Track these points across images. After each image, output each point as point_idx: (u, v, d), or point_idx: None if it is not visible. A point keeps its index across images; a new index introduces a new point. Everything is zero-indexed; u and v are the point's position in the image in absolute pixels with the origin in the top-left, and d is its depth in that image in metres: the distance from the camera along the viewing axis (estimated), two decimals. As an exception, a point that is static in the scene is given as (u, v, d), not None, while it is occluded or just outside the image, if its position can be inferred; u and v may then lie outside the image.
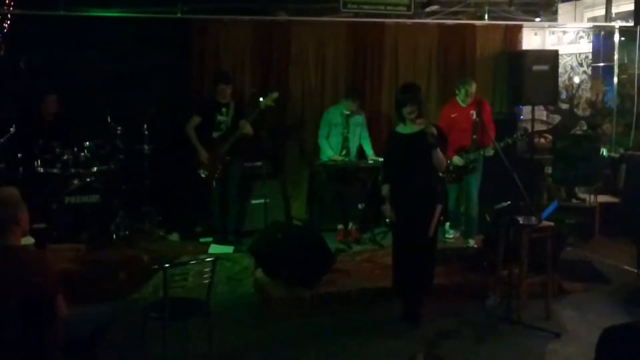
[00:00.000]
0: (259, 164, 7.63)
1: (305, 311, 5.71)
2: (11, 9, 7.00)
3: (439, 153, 5.14)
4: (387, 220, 5.69)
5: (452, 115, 7.11)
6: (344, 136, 7.58)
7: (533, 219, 5.50)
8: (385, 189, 5.39)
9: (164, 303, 4.23)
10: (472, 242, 7.15)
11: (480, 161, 7.11)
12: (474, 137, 7.05)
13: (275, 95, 7.04)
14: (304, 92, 8.19)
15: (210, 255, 6.52)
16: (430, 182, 5.26)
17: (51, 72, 7.31)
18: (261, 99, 7.02)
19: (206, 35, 7.91)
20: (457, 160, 7.04)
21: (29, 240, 4.58)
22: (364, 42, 8.31)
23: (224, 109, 7.13)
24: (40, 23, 7.33)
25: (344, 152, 7.60)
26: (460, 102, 7.19)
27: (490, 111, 7.36)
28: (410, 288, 5.33)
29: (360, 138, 7.66)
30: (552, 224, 5.65)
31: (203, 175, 7.08)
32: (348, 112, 7.54)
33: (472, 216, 7.25)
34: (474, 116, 7.08)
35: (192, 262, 4.46)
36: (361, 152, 7.72)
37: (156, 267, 4.93)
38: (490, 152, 6.83)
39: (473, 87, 7.20)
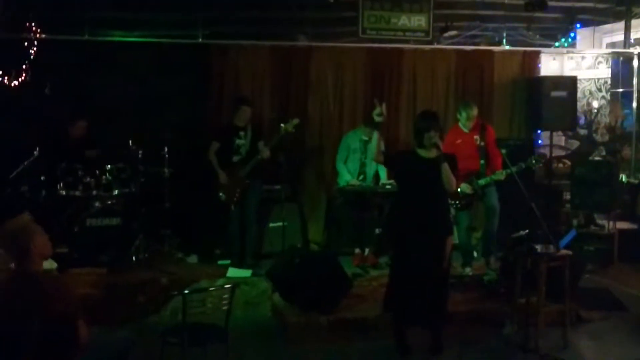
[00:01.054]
0: (277, 187, 7.68)
1: (321, 336, 5.72)
2: (37, 34, 7.14)
3: (447, 168, 5.08)
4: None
5: (457, 142, 7.03)
6: (361, 162, 7.63)
7: (551, 248, 5.49)
8: None
9: (182, 328, 4.28)
10: (491, 263, 7.13)
11: (493, 184, 7.07)
12: (482, 162, 7.03)
13: (295, 121, 7.10)
14: (323, 117, 8.28)
15: (229, 279, 6.61)
16: (444, 211, 5.24)
17: (75, 96, 7.46)
18: (282, 124, 7.07)
19: (226, 60, 8.03)
20: (465, 187, 6.96)
21: (52, 264, 4.67)
22: (383, 68, 8.39)
23: (241, 133, 7.22)
24: (65, 48, 7.49)
25: (361, 177, 7.64)
26: (463, 127, 7.18)
27: (495, 135, 7.30)
28: (427, 319, 5.28)
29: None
30: (570, 252, 5.63)
31: (222, 199, 7.16)
32: (367, 139, 7.59)
33: (493, 230, 7.15)
34: (478, 141, 7.07)
35: (211, 288, 4.51)
36: (377, 177, 7.74)
37: (175, 293, 4.97)
38: (501, 175, 6.80)
39: (474, 111, 7.14)
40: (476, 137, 7.07)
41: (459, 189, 6.86)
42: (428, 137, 5.11)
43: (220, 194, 7.16)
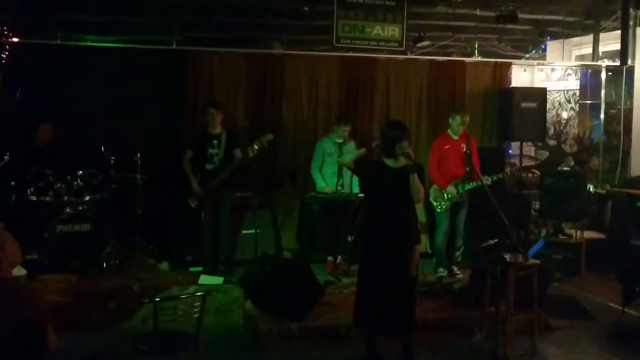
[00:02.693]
0: (250, 194, 7.68)
1: (293, 344, 5.74)
2: (9, 38, 7.07)
3: (416, 179, 5.10)
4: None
5: (446, 147, 7.25)
6: (338, 165, 7.66)
7: (520, 257, 5.57)
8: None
9: (154, 336, 4.27)
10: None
11: (466, 204, 7.31)
12: (467, 169, 7.19)
13: (269, 137, 7.06)
14: (297, 124, 8.31)
15: (200, 286, 6.60)
16: (411, 219, 5.27)
17: (47, 101, 7.39)
18: (256, 141, 7.01)
19: (200, 66, 8.01)
20: (451, 189, 7.16)
21: (20, 271, 4.63)
22: (356, 76, 8.44)
23: (215, 142, 7.21)
24: (37, 52, 7.42)
25: (340, 182, 7.60)
26: (452, 134, 7.31)
27: (476, 149, 7.48)
28: (396, 327, 5.31)
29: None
30: (538, 262, 5.71)
31: (193, 205, 7.15)
32: (340, 141, 7.63)
33: (456, 247, 7.45)
34: (464, 149, 7.21)
35: (182, 296, 4.51)
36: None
37: (146, 300, 4.95)
38: (487, 181, 6.90)
39: (467, 117, 7.35)
40: (463, 144, 7.22)
41: (445, 191, 7.10)
42: (400, 146, 5.12)
43: (191, 200, 7.15)
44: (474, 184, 7.12)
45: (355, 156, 5.41)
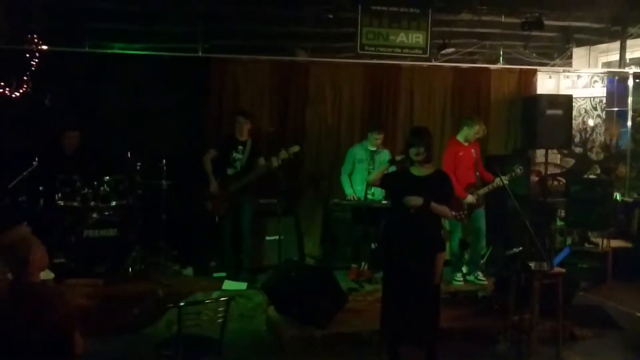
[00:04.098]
0: (274, 201, 7.70)
1: (316, 351, 5.74)
2: (38, 46, 7.19)
3: (435, 206, 5.03)
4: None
5: (460, 154, 7.27)
6: (369, 173, 7.62)
7: (545, 265, 5.52)
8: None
9: (177, 341, 4.30)
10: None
11: (483, 206, 7.36)
12: (477, 174, 7.31)
13: (296, 149, 7.08)
14: (321, 131, 8.34)
15: (224, 291, 6.63)
16: (435, 228, 5.23)
17: (74, 107, 7.48)
18: (282, 151, 7.02)
19: (225, 73, 8.08)
20: (470, 199, 7.19)
21: (48, 274, 4.68)
22: (380, 84, 8.46)
23: (240, 147, 7.25)
24: (66, 59, 7.54)
25: (371, 190, 7.55)
26: (463, 141, 7.33)
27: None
28: (419, 337, 5.25)
29: None
30: (563, 270, 5.66)
31: (208, 208, 7.19)
32: (374, 149, 7.63)
33: (480, 252, 7.44)
34: (475, 154, 7.33)
35: (206, 301, 4.53)
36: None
37: (171, 305, 4.99)
38: (501, 182, 6.88)
39: (485, 128, 7.44)
40: (473, 150, 7.26)
41: (465, 200, 7.09)
42: (412, 152, 5.07)
43: (207, 203, 7.18)
44: (490, 186, 7.16)
45: (379, 173, 5.40)
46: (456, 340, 5.89)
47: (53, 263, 6.06)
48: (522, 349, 5.58)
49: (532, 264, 5.55)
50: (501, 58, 8.86)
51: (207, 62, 8.02)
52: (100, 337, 5.50)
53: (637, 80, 9.13)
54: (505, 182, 6.72)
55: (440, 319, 5.32)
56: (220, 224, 7.27)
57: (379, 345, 5.60)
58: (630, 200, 8.73)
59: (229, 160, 7.25)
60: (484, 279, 7.34)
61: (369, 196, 7.61)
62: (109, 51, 7.78)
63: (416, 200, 4.97)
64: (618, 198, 8.70)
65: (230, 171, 7.26)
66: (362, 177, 7.62)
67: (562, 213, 8.47)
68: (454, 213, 7.07)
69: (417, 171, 5.19)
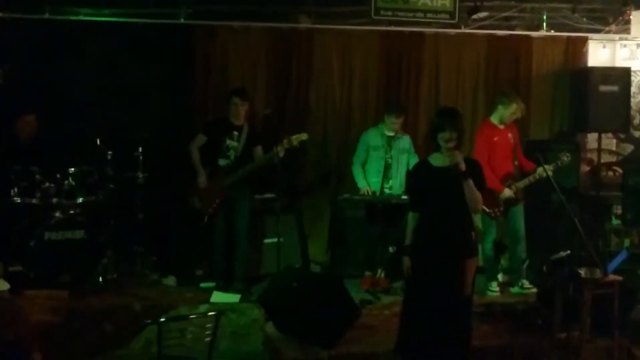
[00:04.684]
0: (272, 196, 7.73)
1: (322, 375, 5.77)
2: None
3: (471, 185, 5.04)
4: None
5: (494, 139, 7.25)
6: (386, 162, 7.66)
7: (597, 272, 5.52)
8: (410, 223, 5.35)
9: (157, 364, 4.32)
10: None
11: (522, 201, 7.35)
12: (516, 163, 7.30)
13: (303, 136, 7.11)
14: (327, 112, 8.36)
15: (213, 304, 6.65)
16: (465, 228, 5.22)
17: (31, 87, 7.49)
18: (285, 140, 7.03)
19: (213, 44, 8.10)
20: (508, 193, 7.19)
21: (3, 285, 4.71)
22: (399, 55, 8.47)
23: (235, 133, 7.26)
24: (21, 29, 7.54)
25: (388, 183, 7.63)
26: (498, 123, 7.32)
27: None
28: (447, 355, 5.26)
29: (409, 166, 7.73)
30: (620, 278, 5.66)
31: (195, 205, 7.21)
32: (391, 134, 7.64)
33: (521, 257, 7.38)
34: (512, 139, 7.30)
35: (191, 316, 4.55)
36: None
37: (149, 322, 5.02)
38: (543, 173, 6.89)
39: (524, 107, 7.44)
40: (510, 134, 7.25)
41: (501, 195, 7.08)
42: (443, 138, 5.06)
43: (194, 200, 7.20)
44: (531, 177, 7.15)
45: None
46: (491, 360, 5.90)
47: (8, 272, 6.11)
48: (570, 372, 5.58)
49: (582, 271, 5.55)
50: (544, 24, 8.81)
51: (191, 30, 8.02)
52: (67, 359, 5.55)
53: None
54: (550, 172, 6.70)
55: (472, 336, 5.34)
56: (210, 225, 7.28)
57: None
58: (701, 194, 8.70)
59: (220, 149, 7.26)
60: (530, 286, 7.31)
61: (386, 190, 7.61)
62: (73, 18, 7.77)
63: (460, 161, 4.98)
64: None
65: (222, 161, 7.28)
66: (377, 167, 7.64)
67: (619, 209, 8.44)
68: (487, 210, 7.09)
69: (438, 161, 5.18)
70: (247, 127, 7.32)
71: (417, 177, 5.42)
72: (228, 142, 7.26)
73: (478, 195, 5.11)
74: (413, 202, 5.42)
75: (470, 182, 5.04)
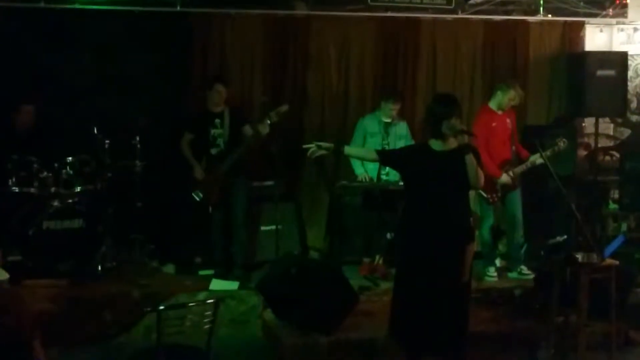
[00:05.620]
0: (269, 183, 7.72)
1: (321, 361, 5.80)
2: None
3: (473, 159, 5.03)
4: None
5: (493, 124, 7.28)
6: (383, 149, 7.66)
7: (594, 257, 5.54)
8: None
9: (157, 351, 4.34)
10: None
11: (519, 187, 7.39)
12: (513, 148, 7.34)
13: (284, 108, 7.08)
14: (324, 99, 8.35)
15: (212, 292, 6.68)
16: (465, 213, 5.23)
17: (28, 76, 7.46)
18: (268, 114, 7.03)
19: (210, 32, 8.07)
20: (505, 178, 7.21)
21: (2, 274, 4.72)
22: (396, 42, 8.45)
23: (217, 120, 7.26)
24: (16, 18, 7.52)
25: (385, 170, 7.62)
26: (496, 109, 7.33)
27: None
28: (443, 345, 5.26)
29: None
30: (617, 262, 5.68)
31: (197, 198, 7.22)
32: (388, 120, 7.65)
33: (518, 242, 7.41)
34: (510, 125, 7.34)
35: (190, 304, 4.57)
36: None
37: (148, 309, 5.05)
38: (540, 160, 6.91)
39: (522, 93, 7.50)
40: (508, 120, 7.29)
41: (499, 180, 7.14)
42: (448, 125, 5.08)
43: (195, 193, 7.20)
44: (528, 163, 7.18)
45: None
46: (489, 346, 5.93)
47: (7, 261, 6.12)
48: (567, 357, 5.62)
49: (579, 256, 5.57)
50: (541, 8, 8.80)
51: (187, 18, 8.00)
52: (66, 348, 5.57)
53: None
54: (546, 158, 6.72)
55: (469, 322, 5.36)
56: (211, 213, 7.31)
57: (396, 353, 5.64)
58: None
59: (208, 140, 7.28)
60: (529, 272, 7.34)
61: (383, 176, 7.63)
62: (69, 6, 7.74)
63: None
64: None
65: (214, 151, 7.29)
66: None
67: (616, 194, 8.47)
68: (485, 195, 7.12)
69: (438, 145, 5.19)
70: (229, 110, 7.32)
71: (416, 159, 5.34)
72: (213, 131, 7.26)
73: (480, 172, 5.12)
74: (411, 186, 5.39)
75: (472, 157, 5.03)
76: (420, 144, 5.39)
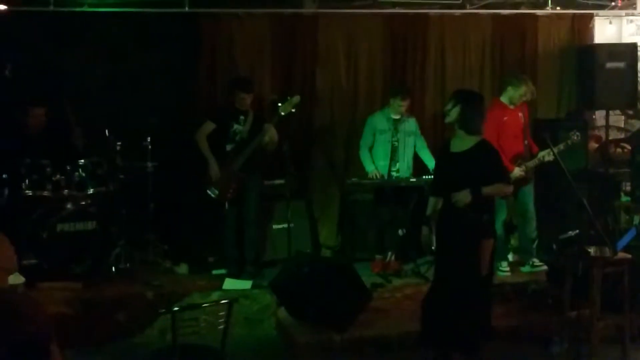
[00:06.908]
0: (281, 181, 7.76)
1: (335, 358, 5.82)
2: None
3: (490, 191, 5.19)
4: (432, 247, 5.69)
5: (505, 119, 7.28)
6: (392, 145, 7.69)
7: (607, 250, 5.54)
8: (431, 206, 5.46)
9: (172, 351, 4.37)
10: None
11: (532, 180, 7.42)
12: (526, 142, 7.32)
13: (296, 99, 7.16)
14: (334, 97, 8.36)
15: (225, 291, 6.71)
16: (481, 210, 5.22)
17: (39, 79, 7.50)
18: (280, 104, 7.14)
19: (218, 32, 8.10)
20: (518, 172, 7.20)
21: (18, 278, 4.75)
22: (404, 37, 8.46)
23: (241, 117, 7.29)
24: (27, 21, 7.56)
25: (395, 166, 7.69)
26: (508, 103, 7.34)
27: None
28: (463, 341, 5.27)
29: (416, 148, 7.78)
30: (629, 256, 5.68)
31: (213, 195, 7.24)
32: (397, 117, 7.66)
33: (531, 236, 7.43)
34: (522, 119, 7.33)
35: (205, 304, 4.61)
36: (419, 167, 7.83)
37: (163, 310, 5.08)
38: (551, 156, 6.91)
39: (534, 88, 7.46)
40: (520, 114, 7.29)
41: (511, 174, 7.05)
42: (475, 121, 5.23)
43: (211, 189, 7.22)
44: (541, 157, 7.18)
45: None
46: (503, 340, 5.91)
47: (23, 265, 6.16)
48: (581, 350, 5.61)
49: (591, 249, 5.57)
50: (550, 1, 8.77)
51: (196, 18, 8.03)
52: (82, 349, 5.62)
53: None
54: (557, 153, 6.72)
55: (490, 317, 5.35)
56: (221, 212, 7.33)
57: (410, 349, 5.67)
58: None
59: (228, 134, 7.29)
60: (541, 263, 7.35)
61: (394, 173, 7.65)
62: (78, 9, 7.78)
63: (463, 197, 5.06)
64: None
65: (229, 146, 7.31)
66: (384, 151, 7.67)
67: (628, 186, 8.44)
68: (511, 187, 7.12)
69: (457, 145, 5.24)
70: (252, 113, 7.36)
71: (438, 162, 5.62)
72: (235, 126, 7.29)
73: (500, 188, 5.36)
74: (435, 186, 5.56)
75: (486, 191, 5.15)
76: (441, 148, 5.50)
